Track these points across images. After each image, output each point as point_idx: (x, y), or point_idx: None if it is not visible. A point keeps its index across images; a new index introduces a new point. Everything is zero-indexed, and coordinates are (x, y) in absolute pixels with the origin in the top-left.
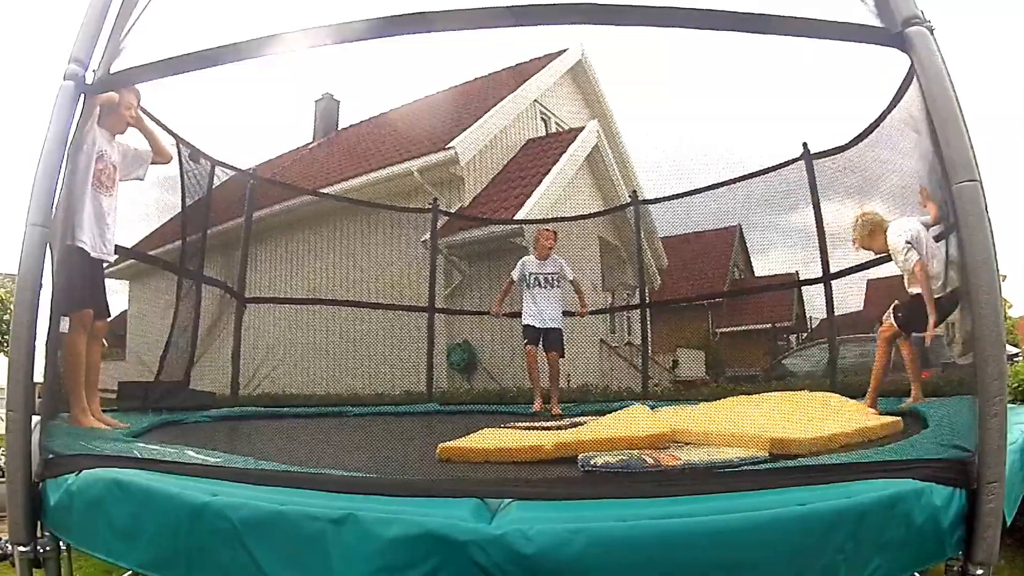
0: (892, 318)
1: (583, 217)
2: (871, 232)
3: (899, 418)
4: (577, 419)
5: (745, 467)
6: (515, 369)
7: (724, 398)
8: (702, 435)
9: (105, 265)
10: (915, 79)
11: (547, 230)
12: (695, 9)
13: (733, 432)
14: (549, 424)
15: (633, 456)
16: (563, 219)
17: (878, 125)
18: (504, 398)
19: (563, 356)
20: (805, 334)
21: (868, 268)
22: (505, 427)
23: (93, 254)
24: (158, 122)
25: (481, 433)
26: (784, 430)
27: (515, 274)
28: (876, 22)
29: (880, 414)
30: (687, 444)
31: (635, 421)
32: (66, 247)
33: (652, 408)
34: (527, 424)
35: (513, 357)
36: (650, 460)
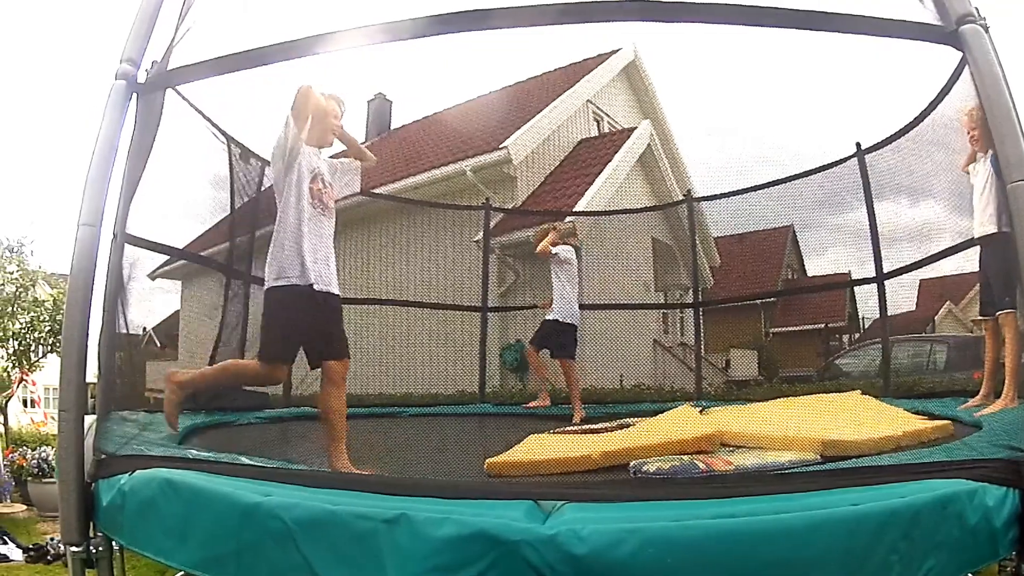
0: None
1: (634, 211)
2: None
3: (949, 421)
4: (625, 420)
5: (797, 469)
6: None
7: (775, 399)
8: (752, 438)
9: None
10: (961, 76)
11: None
12: (757, 7)
13: (784, 435)
14: (597, 427)
15: (684, 461)
16: (615, 212)
17: (924, 119)
18: (556, 398)
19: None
20: (858, 334)
21: (921, 267)
22: (553, 433)
23: (317, 287)
24: (209, 121)
25: (528, 443)
26: (836, 432)
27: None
28: (931, 20)
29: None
30: (738, 448)
31: (683, 424)
32: (279, 290)
33: (701, 410)
34: (575, 428)
35: None
36: (702, 465)
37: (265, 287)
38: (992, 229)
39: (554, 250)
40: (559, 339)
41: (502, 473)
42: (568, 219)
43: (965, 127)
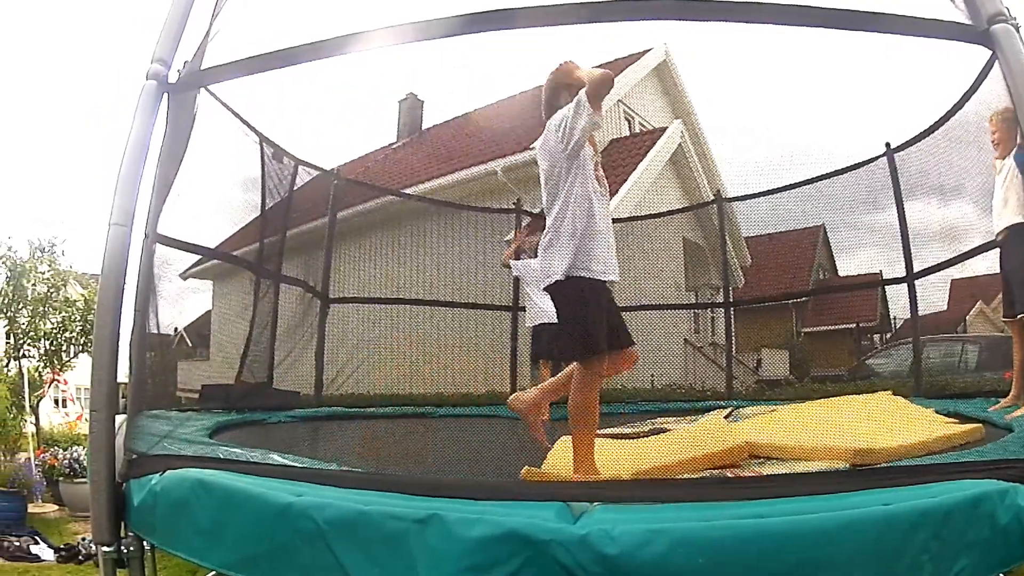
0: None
1: (666, 214)
2: (1009, 126)
3: (980, 425)
4: (658, 425)
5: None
6: None
7: (806, 400)
8: (781, 449)
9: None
10: (989, 75)
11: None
12: (793, 6)
13: (814, 444)
14: (629, 432)
15: (714, 475)
16: (646, 217)
17: (949, 118)
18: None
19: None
20: (889, 334)
21: (951, 266)
22: None
23: (605, 278)
24: (242, 120)
25: (560, 446)
26: (866, 440)
27: None
28: (963, 19)
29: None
30: (767, 459)
31: (712, 438)
32: (582, 281)
33: (732, 410)
34: (608, 432)
35: None
36: (732, 477)
37: (562, 277)
38: (1012, 221)
39: (511, 264)
40: (548, 342)
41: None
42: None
43: (991, 128)
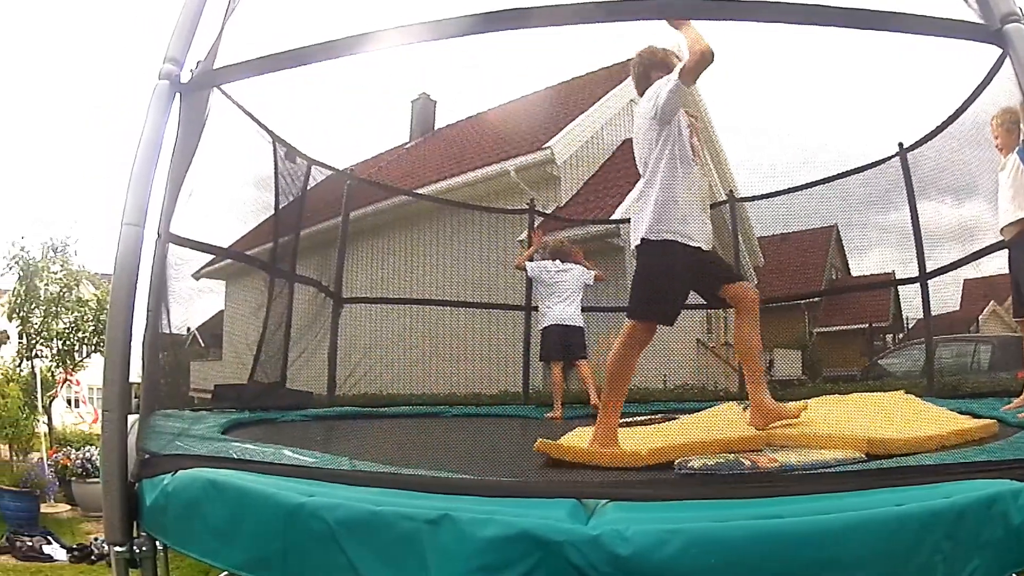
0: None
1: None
2: (1008, 130)
3: (994, 420)
4: (671, 416)
5: (841, 468)
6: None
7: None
8: (797, 437)
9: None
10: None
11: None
12: (807, 5)
13: (829, 433)
14: (643, 419)
15: (730, 459)
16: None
17: (958, 117)
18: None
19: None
20: (902, 334)
21: (965, 264)
22: None
23: (690, 243)
24: (255, 120)
25: (578, 433)
26: (881, 430)
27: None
28: (974, 19)
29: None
30: (783, 447)
31: (728, 423)
32: (670, 244)
33: (745, 408)
34: (622, 422)
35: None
36: (747, 463)
37: (647, 237)
38: (1017, 216)
39: (527, 265)
40: (557, 344)
41: (551, 456)
42: (599, 226)
43: (993, 131)
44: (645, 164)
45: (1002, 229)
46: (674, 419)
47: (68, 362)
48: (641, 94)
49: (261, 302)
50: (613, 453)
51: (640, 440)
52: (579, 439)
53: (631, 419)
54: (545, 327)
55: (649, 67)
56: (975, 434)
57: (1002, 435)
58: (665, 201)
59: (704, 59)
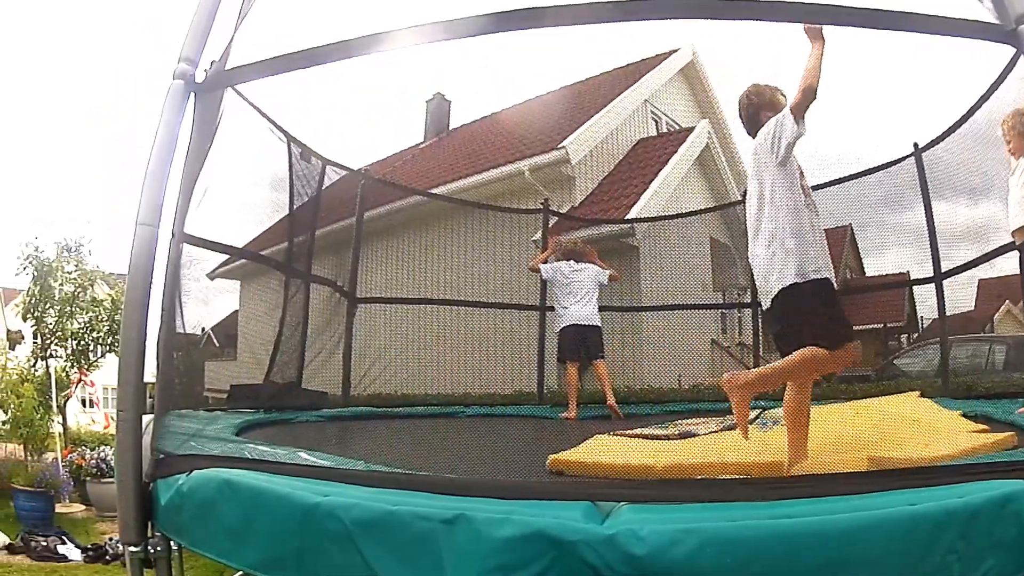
0: None
1: (693, 214)
2: (1020, 133)
3: (1012, 434)
4: (687, 428)
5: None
6: (625, 370)
7: (833, 400)
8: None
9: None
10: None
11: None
12: (823, 5)
13: (834, 456)
14: (659, 433)
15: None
16: (674, 216)
17: (969, 117)
18: (617, 399)
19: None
20: (916, 334)
21: (979, 265)
22: (615, 435)
23: (832, 276)
24: (269, 120)
25: (592, 444)
26: (887, 449)
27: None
28: (990, 19)
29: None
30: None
31: (747, 446)
32: (822, 284)
33: (755, 418)
34: (637, 432)
35: (625, 358)
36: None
37: (798, 280)
38: None
39: (541, 267)
40: (574, 344)
41: (564, 470)
42: (613, 226)
43: (1005, 135)
44: (761, 206)
45: (1013, 232)
46: (691, 434)
47: (83, 362)
48: (751, 134)
49: (276, 302)
50: (628, 464)
51: (657, 454)
52: (593, 450)
53: (649, 432)
54: (562, 327)
55: (759, 107)
56: (990, 450)
57: (1021, 444)
58: (802, 242)
59: (810, 97)
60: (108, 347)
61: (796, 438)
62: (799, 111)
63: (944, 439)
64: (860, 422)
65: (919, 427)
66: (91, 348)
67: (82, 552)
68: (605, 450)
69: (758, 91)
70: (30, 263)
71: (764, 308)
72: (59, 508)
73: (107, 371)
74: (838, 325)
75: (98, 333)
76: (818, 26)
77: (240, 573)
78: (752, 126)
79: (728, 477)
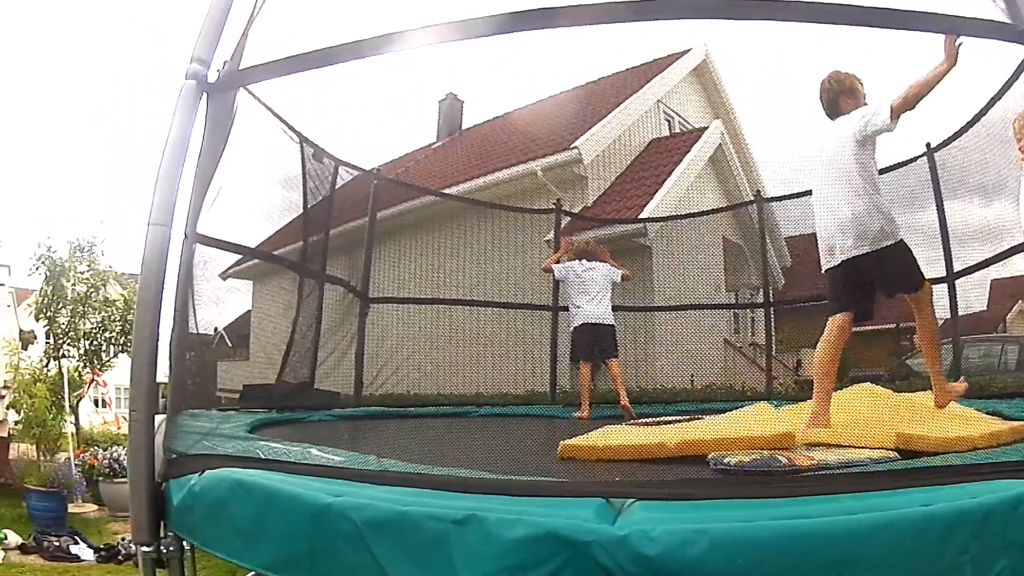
0: None
1: (706, 213)
2: None
3: None
4: (698, 416)
5: (873, 468)
6: (638, 370)
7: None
8: (826, 434)
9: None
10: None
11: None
12: (833, 5)
13: (858, 431)
14: (670, 419)
15: (765, 455)
16: (686, 216)
17: (981, 117)
18: (629, 399)
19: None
20: None
21: (992, 264)
22: (625, 425)
23: None
24: (282, 120)
25: (602, 431)
26: (911, 427)
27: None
28: (1002, 18)
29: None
30: (817, 444)
31: (759, 420)
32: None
33: (776, 406)
34: (647, 422)
35: (637, 358)
36: (784, 459)
37: (895, 241)
38: None
39: (553, 268)
40: (588, 343)
41: (575, 456)
42: (625, 226)
43: (1016, 134)
44: (847, 180)
45: None
46: (700, 418)
47: (95, 362)
48: (831, 117)
49: (289, 302)
50: (641, 444)
51: (668, 433)
52: (601, 438)
53: (657, 419)
54: (576, 326)
55: (839, 93)
56: (1007, 437)
57: None
58: (886, 210)
59: (912, 104)
60: (121, 347)
61: (820, 389)
62: (897, 111)
63: (965, 422)
64: (882, 404)
65: (942, 411)
66: (103, 348)
67: (95, 552)
68: (615, 434)
69: (839, 79)
70: (43, 263)
71: (854, 260)
72: (72, 508)
73: (120, 371)
74: (920, 273)
75: (111, 333)
76: (957, 46)
77: (252, 573)
78: (832, 110)
79: (744, 463)
